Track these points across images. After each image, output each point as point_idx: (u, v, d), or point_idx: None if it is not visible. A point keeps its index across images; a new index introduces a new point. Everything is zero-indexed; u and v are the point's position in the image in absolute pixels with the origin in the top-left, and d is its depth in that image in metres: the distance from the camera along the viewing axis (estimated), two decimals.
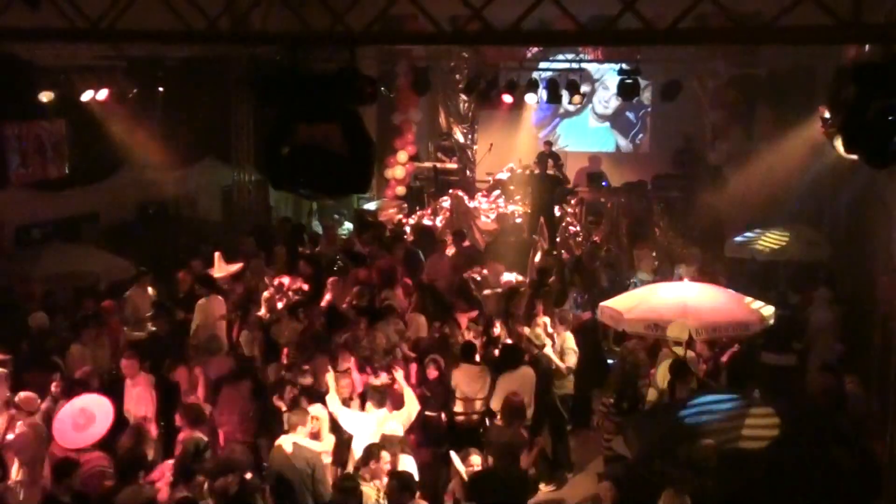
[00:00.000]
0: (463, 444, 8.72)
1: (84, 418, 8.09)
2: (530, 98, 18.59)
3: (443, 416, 9.77)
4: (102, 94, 13.57)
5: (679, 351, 10.09)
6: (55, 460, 7.71)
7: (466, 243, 16.55)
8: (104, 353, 10.53)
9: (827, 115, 11.39)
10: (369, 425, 8.58)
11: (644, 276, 13.78)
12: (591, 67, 20.77)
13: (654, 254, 14.97)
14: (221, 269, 13.31)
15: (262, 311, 11.91)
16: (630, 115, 22.83)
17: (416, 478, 7.73)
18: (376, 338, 10.27)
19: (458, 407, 9.76)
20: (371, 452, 7.73)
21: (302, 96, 5.71)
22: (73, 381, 9.06)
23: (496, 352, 10.65)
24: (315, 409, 8.66)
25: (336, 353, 9.71)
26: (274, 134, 5.72)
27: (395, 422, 8.65)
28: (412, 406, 8.88)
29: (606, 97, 22.43)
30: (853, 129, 5.48)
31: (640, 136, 23.00)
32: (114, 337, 11.00)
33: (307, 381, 9.16)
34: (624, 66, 16.70)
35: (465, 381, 9.78)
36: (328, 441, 8.65)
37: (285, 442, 8.07)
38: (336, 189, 5.96)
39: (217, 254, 13.47)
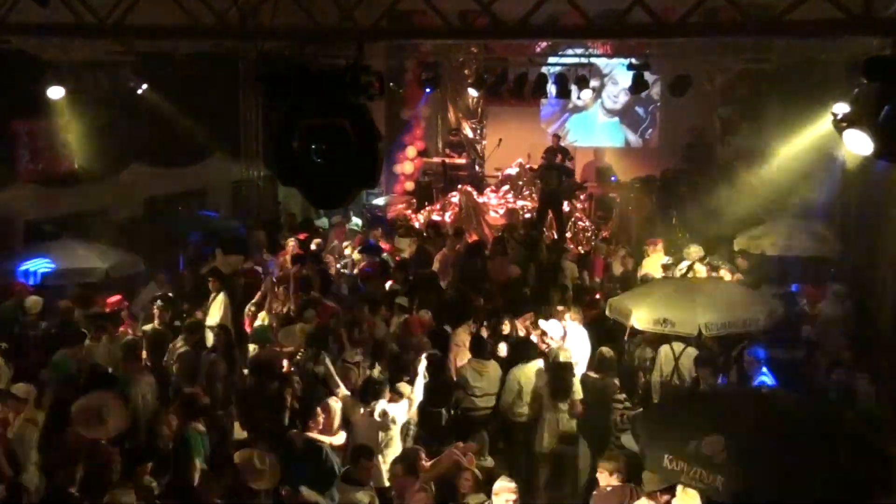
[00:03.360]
0: (467, 438, 8.69)
1: (102, 410, 8.11)
2: (542, 93, 18.44)
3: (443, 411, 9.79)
4: (111, 89, 13.58)
5: (678, 347, 10.10)
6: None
7: (474, 237, 16.56)
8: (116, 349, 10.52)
9: (836, 109, 11.35)
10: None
11: (653, 271, 13.75)
12: (601, 62, 20.72)
13: (662, 249, 14.92)
14: (223, 263, 13.34)
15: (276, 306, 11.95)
16: (639, 109, 22.77)
17: None
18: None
19: (467, 403, 9.73)
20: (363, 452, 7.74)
21: (310, 92, 5.70)
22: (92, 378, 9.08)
23: (503, 347, 10.60)
24: (329, 402, 8.68)
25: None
26: (282, 130, 5.71)
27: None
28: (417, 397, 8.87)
29: (616, 92, 22.37)
30: (865, 124, 5.45)
31: (650, 130, 22.94)
32: (126, 333, 11.02)
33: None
34: (633, 60, 16.65)
35: (475, 376, 9.76)
36: (340, 436, 8.65)
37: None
38: (343, 184, 5.95)
39: (217, 250, 13.50)
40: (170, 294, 12.12)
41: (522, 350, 10.12)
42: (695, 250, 13.41)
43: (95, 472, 7.24)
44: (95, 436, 7.85)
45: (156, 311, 11.15)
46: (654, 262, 14.26)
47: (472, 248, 14.73)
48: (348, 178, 5.77)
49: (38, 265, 11.79)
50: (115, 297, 11.77)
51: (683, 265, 13.35)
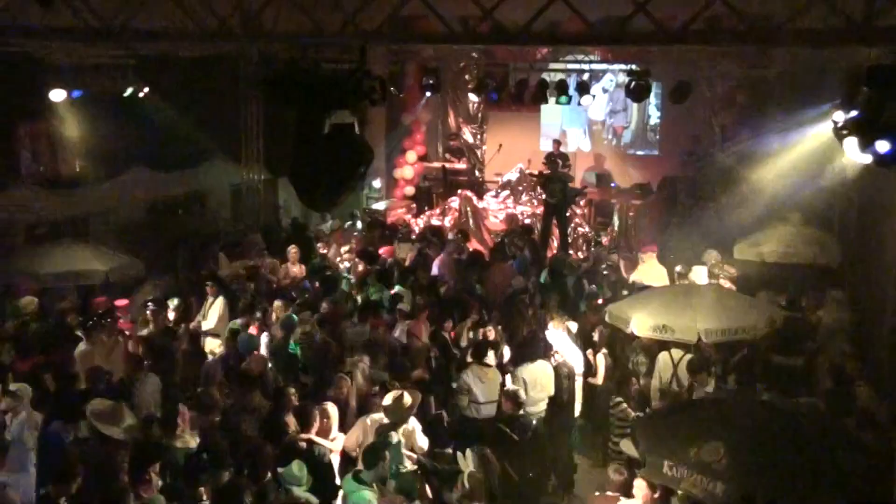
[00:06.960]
0: (471, 443, 8.61)
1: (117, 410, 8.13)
2: (543, 99, 18.35)
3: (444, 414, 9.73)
4: (113, 92, 13.61)
5: (677, 353, 10.07)
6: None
7: (474, 243, 16.54)
8: (115, 353, 10.51)
9: (836, 116, 11.35)
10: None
11: (646, 278, 13.71)
12: (602, 68, 20.74)
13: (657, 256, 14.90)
14: (227, 267, 13.34)
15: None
16: None
17: None
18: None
19: (472, 411, 9.54)
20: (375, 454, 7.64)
21: (312, 96, 5.71)
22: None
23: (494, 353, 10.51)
24: (326, 406, 8.69)
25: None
26: (285, 133, 5.73)
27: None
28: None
29: (616, 98, 22.36)
30: (866, 131, 5.47)
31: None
32: (125, 336, 11.02)
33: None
34: (634, 67, 16.67)
35: (478, 383, 9.59)
36: (339, 440, 8.65)
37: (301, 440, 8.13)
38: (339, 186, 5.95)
39: (221, 253, 13.50)
40: (165, 297, 12.12)
41: (530, 349, 10.04)
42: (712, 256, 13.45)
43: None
44: (112, 432, 7.86)
45: (149, 315, 11.16)
46: (647, 270, 14.22)
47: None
48: (345, 179, 5.79)
49: None
50: (120, 301, 11.79)
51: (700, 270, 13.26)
